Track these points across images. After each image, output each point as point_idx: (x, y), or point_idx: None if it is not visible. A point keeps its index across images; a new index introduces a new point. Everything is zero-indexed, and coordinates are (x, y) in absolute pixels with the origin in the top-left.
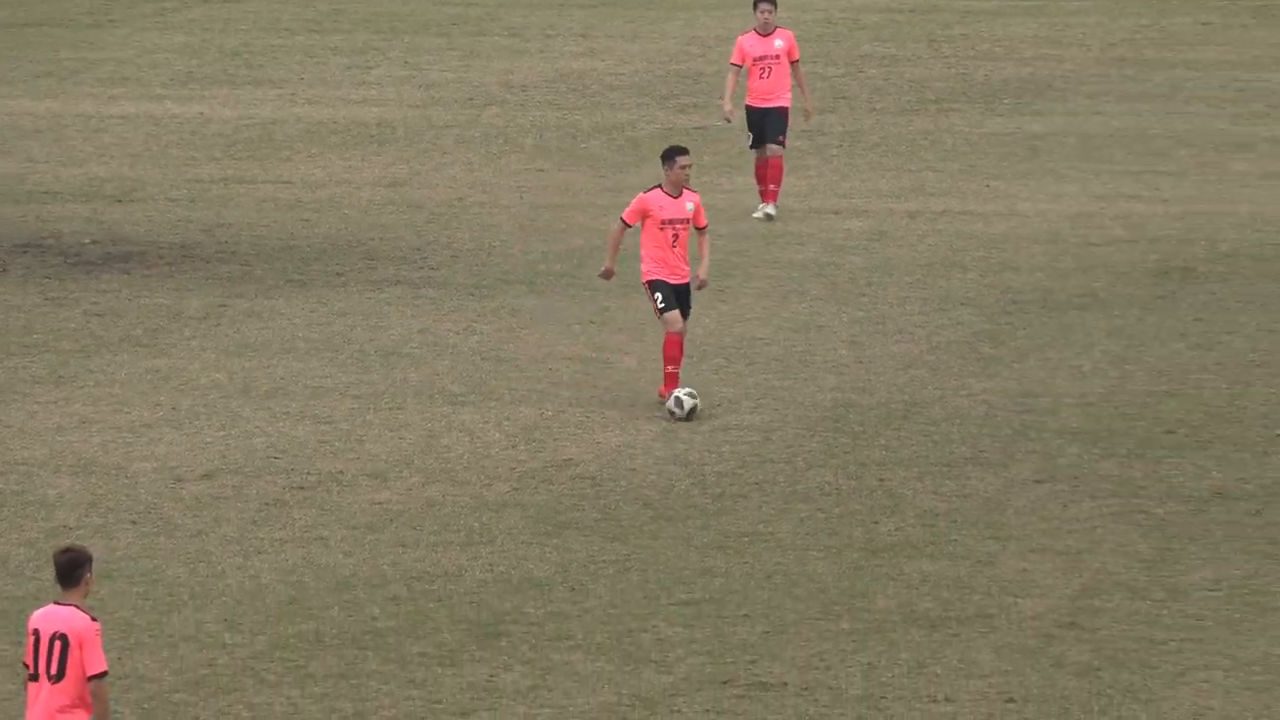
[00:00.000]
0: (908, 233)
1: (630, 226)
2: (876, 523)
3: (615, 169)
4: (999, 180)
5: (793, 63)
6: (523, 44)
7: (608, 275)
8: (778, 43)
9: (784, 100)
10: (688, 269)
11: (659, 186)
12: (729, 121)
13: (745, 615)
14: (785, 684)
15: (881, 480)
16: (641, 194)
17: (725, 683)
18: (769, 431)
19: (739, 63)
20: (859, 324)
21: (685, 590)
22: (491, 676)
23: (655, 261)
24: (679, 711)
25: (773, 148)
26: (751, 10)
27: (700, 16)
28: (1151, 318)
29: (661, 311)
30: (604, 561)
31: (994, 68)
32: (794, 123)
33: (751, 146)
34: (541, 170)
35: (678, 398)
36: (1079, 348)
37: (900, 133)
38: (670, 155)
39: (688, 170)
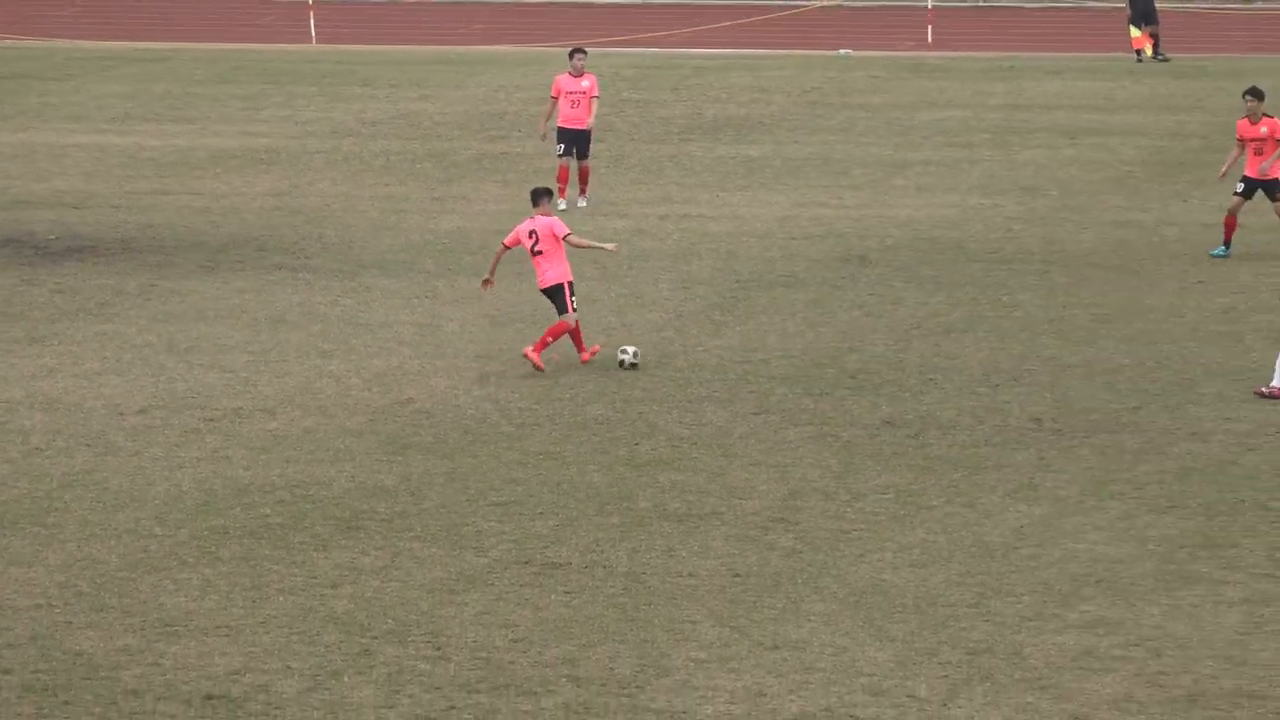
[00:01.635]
0: (659, 230)
1: (508, 249)
2: (637, 444)
3: (441, 184)
4: (725, 192)
5: (593, 98)
6: (373, 91)
7: (485, 285)
8: (585, 83)
9: (586, 124)
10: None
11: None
12: (544, 138)
13: (540, 513)
14: (570, 563)
15: (640, 413)
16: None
17: (526, 563)
18: (557, 377)
19: (555, 95)
20: (623, 298)
21: (496, 495)
22: (354, 559)
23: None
24: (492, 585)
25: (583, 161)
26: (568, 58)
27: (507, 71)
28: (837, 293)
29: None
30: (436, 474)
31: (720, 108)
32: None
33: (560, 156)
34: (387, 185)
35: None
36: (785, 315)
37: (652, 156)
38: (537, 196)
39: (548, 206)
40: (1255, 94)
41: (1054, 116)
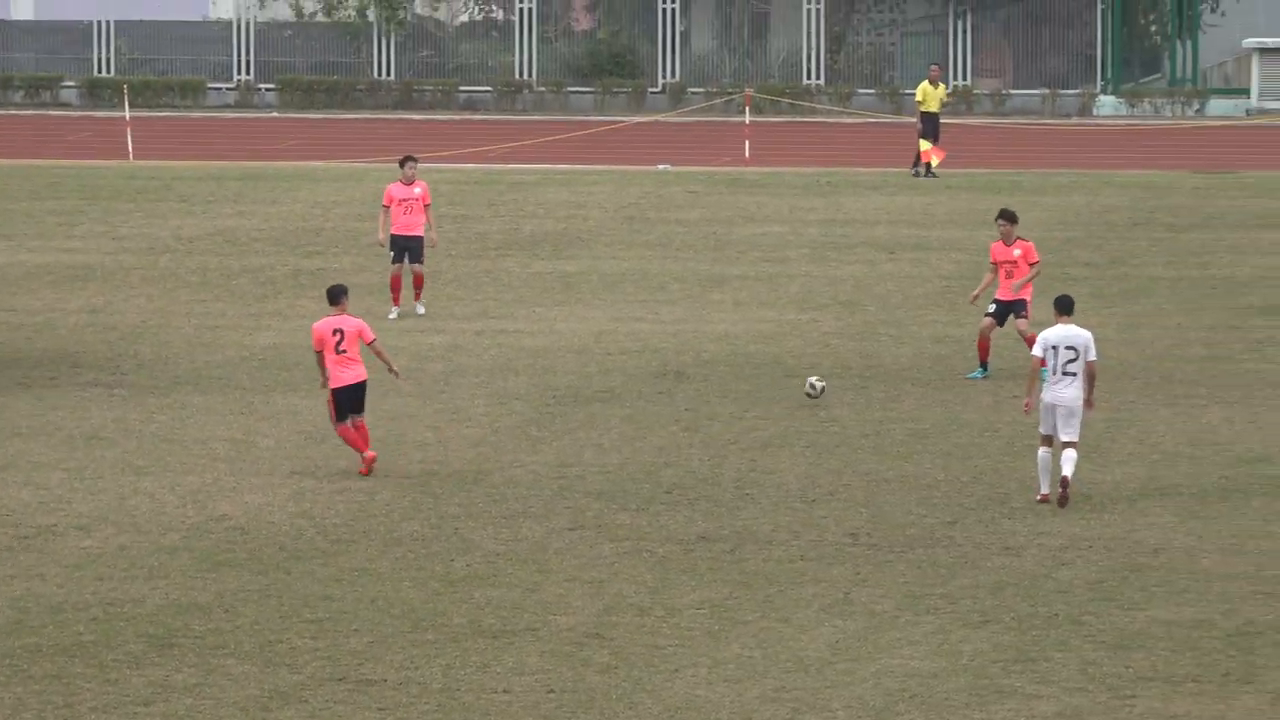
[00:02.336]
0: (476, 346)
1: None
2: (452, 560)
3: (258, 300)
4: (541, 307)
5: (425, 205)
6: (190, 207)
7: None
8: (416, 190)
9: (420, 231)
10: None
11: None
12: (382, 245)
13: (355, 630)
14: (385, 680)
15: (456, 529)
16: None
17: (340, 680)
18: (373, 493)
19: (387, 204)
20: (440, 414)
21: (310, 611)
22: (167, 676)
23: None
24: (306, 702)
25: (416, 266)
26: (399, 167)
27: (322, 186)
28: (654, 408)
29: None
30: (250, 590)
31: (537, 224)
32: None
33: (393, 262)
34: (204, 301)
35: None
36: (601, 430)
37: (469, 272)
38: (337, 294)
39: (346, 304)
40: (1007, 217)
41: (872, 231)
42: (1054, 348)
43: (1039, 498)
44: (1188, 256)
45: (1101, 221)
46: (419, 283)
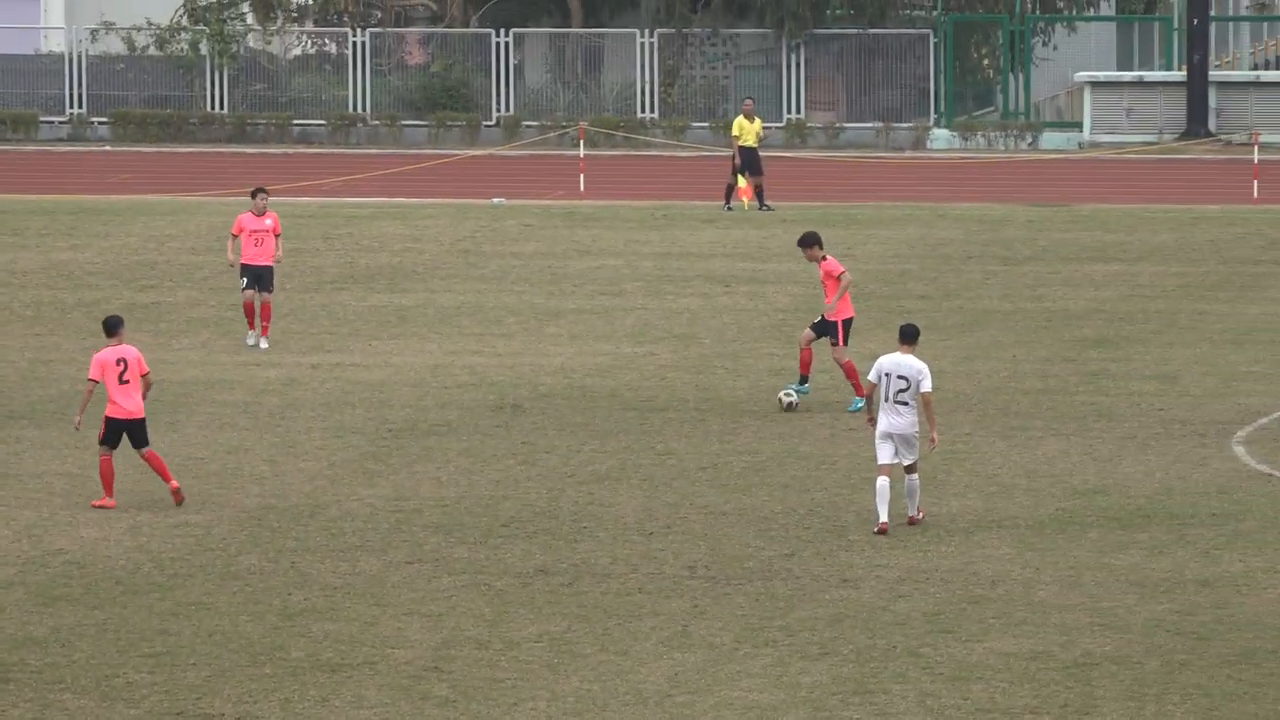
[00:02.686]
0: (311, 379)
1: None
2: (290, 594)
3: (93, 334)
4: (378, 340)
5: (276, 235)
6: (23, 241)
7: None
8: (267, 221)
9: (271, 260)
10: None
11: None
12: (232, 265)
13: (193, 664)
14: (223, 714)
15: (294, 563)
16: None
17: (178, 714)
18: (210, 527)
19: (237, 233)
20: (276, 447)
21: (148, 645)
22: (3, 711)
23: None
24: None
25: (265, 295)
26: (250, 198)
27: (156, 220)
28: (491, 441)
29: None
30: (87, 625)
31: (372, 258)
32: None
33: (244, 289)
34: (38, 335)
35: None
36: (439, 463)
37: (305, 305)
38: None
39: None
40: (804, 243)
41: (708, 265)
42: (886, 375)
43: (877, 529)
44: (1022, 289)
45: (936, 254)
46: (266, 313)
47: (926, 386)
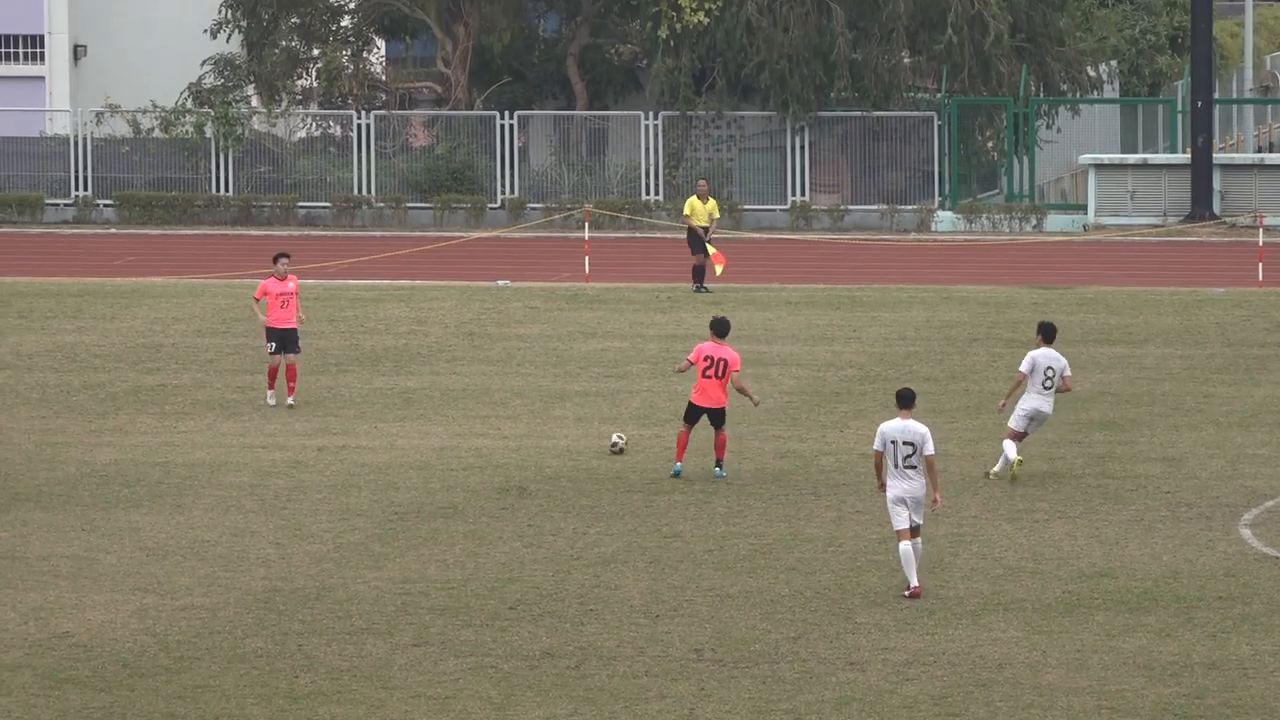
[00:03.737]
0: (317, 461)
1: None
2: (296, 677)
3: (98, 416)
4: (383, 422)
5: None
6: (29, 323)
7: None
8: (290, 284)
9: (295, 323)
10: None
11: None
12: (265, 325)
13: None
14: None
15: (300, 646)
16: None
17: None
18: (216, 610)
19: (261, 296)
20: (282, 530)
21: None
22: None
23: None
24: None
25: (291, 357)
26: (273, 263)
27: (162, 302)
28: (497, 523)
29: None
30: (94, 708)
31: (377, 340)
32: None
33: (271, 354)
34: (44, 417)
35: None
36: (445, 546)
37: (310, 387)
38: None
39: None
40: (716, 328)
41: None
42: (892, 442)
43: (909, 593)
44: None
45: (942, 336)
46: (292, 374)
47: (930, 450)
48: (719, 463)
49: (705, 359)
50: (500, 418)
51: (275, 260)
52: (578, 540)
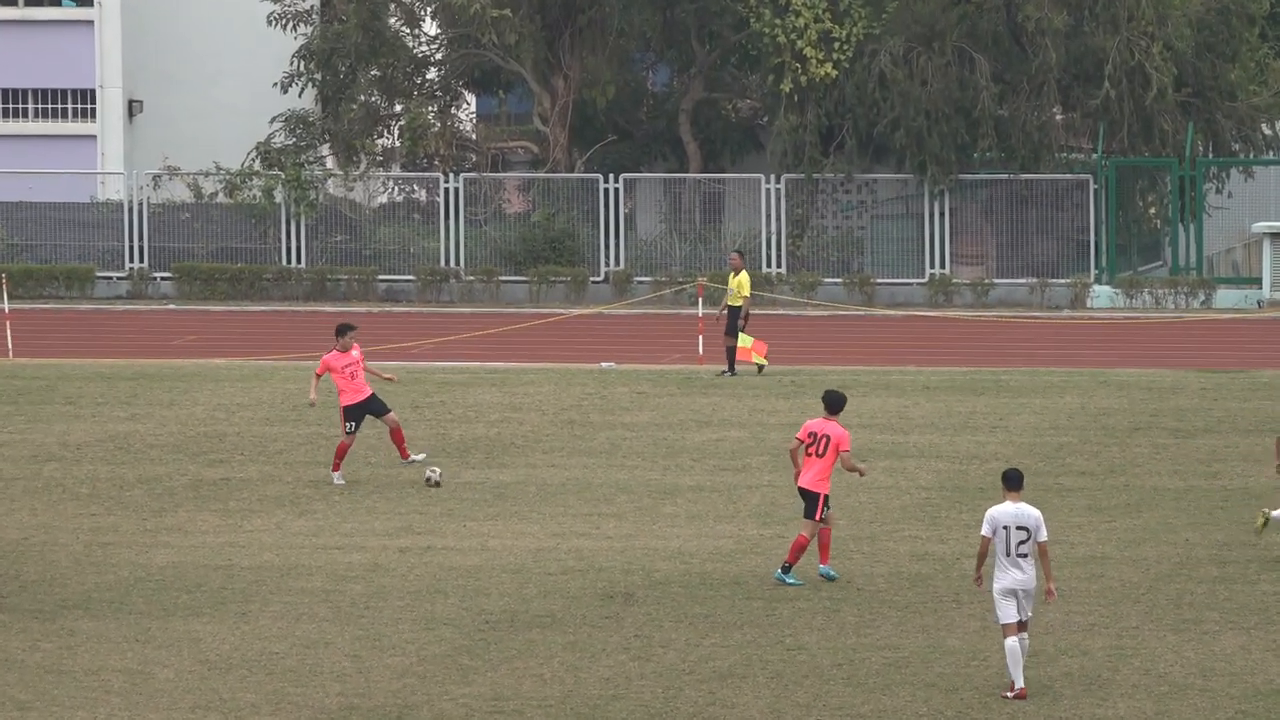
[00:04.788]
0: (399, 564)
1: None
2: None
3: (154, 514)
4: (473, 521)
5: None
6: (78, 410)
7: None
8: (355, 353)
9: (370, 390)
10: None
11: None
12: (312, 404)
13: None
14: None
15: None
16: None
17: None
18: None
19: (322, 372)
20: (359, 640)
21: None
22: None
23: None
24: None
25: (389, 418)
26: (336, 336)
27: (225, 387)
28: (600, 634)
29: None
30: None
31: (467, 429)
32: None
33: (349, 433)
34: (94, 514)
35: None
36: (541, 659)
37: (391, 482)
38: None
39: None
40: (828, 402)
41: None
42: (1005, 528)
43: (1014, 694)
44: (1195, 465)
45: (1098, 425)
46: (398, 434)
47: (1044, 535)
48: (785, 567)
49: (809, 435)
50: (604, 515)
51: (341, 333)
52: (690, 653)
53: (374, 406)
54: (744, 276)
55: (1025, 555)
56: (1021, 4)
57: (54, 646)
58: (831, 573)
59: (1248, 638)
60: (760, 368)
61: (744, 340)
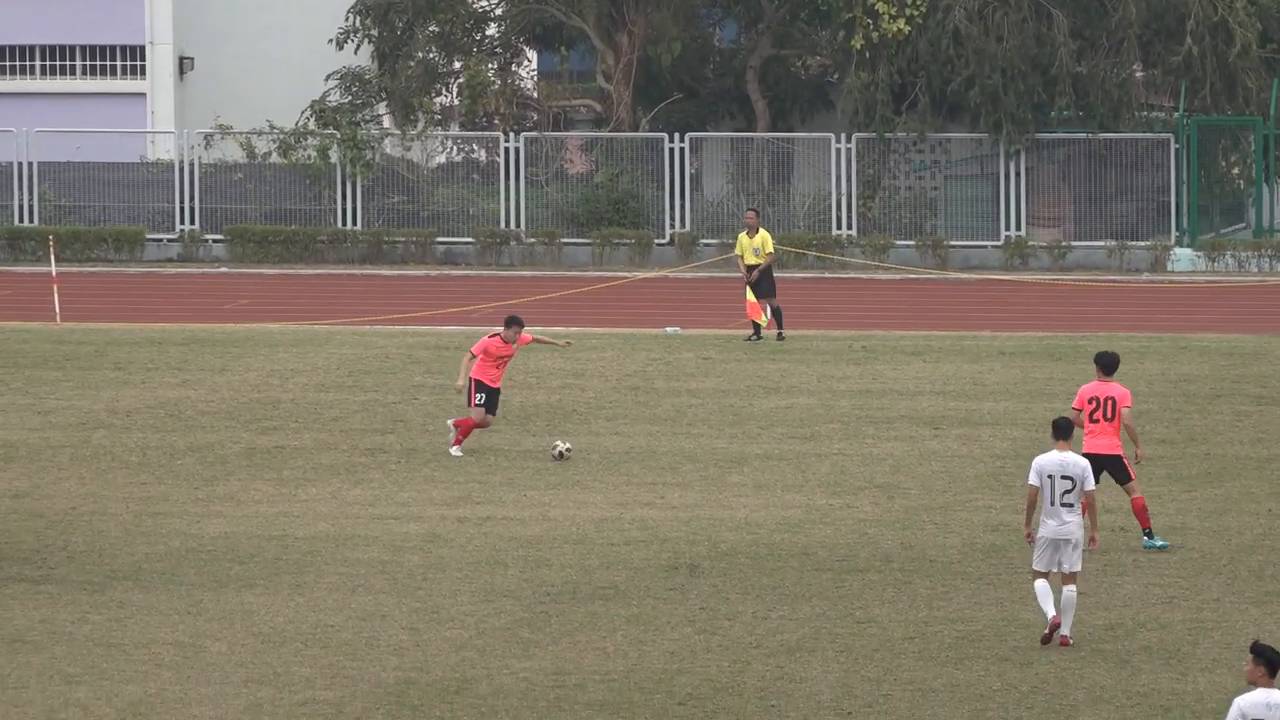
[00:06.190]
0: (458, 535)
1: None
2: None
3: (206, 482)
4: (534, 490)
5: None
6: (127, 376)
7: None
8: (513, 351)
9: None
10: None
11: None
12: (460, 390)
13: None
14: None
15: None
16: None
17: None
18: (341, 705)
19: (478, 354)
20: (416, 613)
21: None
22: None
23: None
24: None
25: (490, 418)
26: (504, 325)
27: (279, 352)
28: (665, 606)
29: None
30: None
31: (527, 395)
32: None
33: (479, 404)
34: (144, 483)
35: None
36: (604, 632)
37: (450, 450)
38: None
39: None
40: (1102, 363)
41: (915, 404)
42: (1049, 477)
43: (1049, 628)
44: (1279, 432)
45: (1179, 393)
46: (469, 427)
47: (1091, 485)
48: (1146, 532)
49: (1090, 400)
50: (669, 485)
51: (508, 324)
52: (758, 626)
53: (493, 405)
54: (765, 234)
55: (1070, 505)
56: None
57: (103, 619)
58: (1159, 542)
59: None
60: (757, 330)
61: (752, 295)
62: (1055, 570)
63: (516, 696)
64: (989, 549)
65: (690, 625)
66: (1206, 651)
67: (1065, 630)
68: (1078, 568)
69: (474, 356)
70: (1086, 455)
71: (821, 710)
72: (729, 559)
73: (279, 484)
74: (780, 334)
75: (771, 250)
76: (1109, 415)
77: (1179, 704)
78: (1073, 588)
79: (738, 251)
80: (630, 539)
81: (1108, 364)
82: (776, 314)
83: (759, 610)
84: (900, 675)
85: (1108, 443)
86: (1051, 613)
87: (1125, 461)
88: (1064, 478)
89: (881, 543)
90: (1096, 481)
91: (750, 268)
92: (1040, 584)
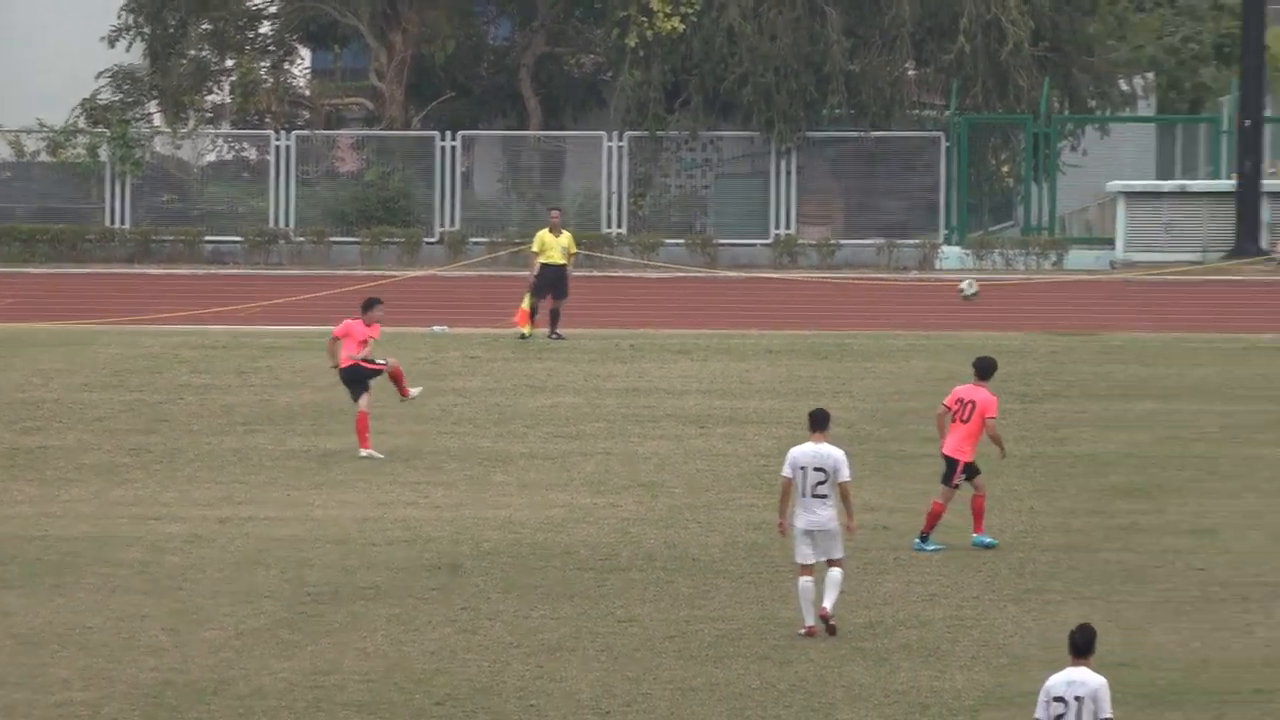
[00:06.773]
0: (219, 535)
1: None
2: None
3: None
4: (297, 490)
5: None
6: None
7: None
8: (376, 333)
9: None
10: None
11: None
12: (333, 369)
13: None
14: None
15: None
16: None
17: None
18: (98, 707)
19: (341, 335)
20: (176, 614)
21: None
22: None
23: None
24: None
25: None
26: (362, 310)
27: (44, 352)
28: (426, 606)
29: None
30: None
31: (293, 395)
32: None
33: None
34: None
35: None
36: (365, 632)
37: (213, 450)
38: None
39: None
40: (978, 368)
41: (681, 403)
42: (802, 468)
43: (804, 631)
44: (1043, 430)
45: (946, 390)
46: (363, 424)
47: (844, 476)
48: (977, 532)
49: (958, 401)
50: (432, 484)
51: (370, 307)
52: (518, 625)
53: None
54: (568, 234)
55: (823, 496)
56: None
57: None
58: (987, 540)
59: (1090, 608)
60: (523, 336)
61: (526, 303)
62: (821, 559)
63: (275, 697)
64: (750, 547)
65: (451, 625)
66: (965, 649)
67: (828, 604)
68: (840, 555)
69: (336, 338)
70: (943, 455)
71: (580, 710)
72: (491, 558)
73: (41, 484)
74: (555, 334)
75: (575, 250)
76: (967, 418)
77: (937, 701)
78: (838, 570)
79: (535, 249)
80: (393, 539)
81: (983, 369)
82: (555, 315)
83: (520, 610)
84: (660, 674)
85: (958, 443)
86: (810, 622)
87: (963, 467)
88: (816, 469)
89: (644, 541)
90: (956, 481)
91: (548, 266)
92: (804, 584)
